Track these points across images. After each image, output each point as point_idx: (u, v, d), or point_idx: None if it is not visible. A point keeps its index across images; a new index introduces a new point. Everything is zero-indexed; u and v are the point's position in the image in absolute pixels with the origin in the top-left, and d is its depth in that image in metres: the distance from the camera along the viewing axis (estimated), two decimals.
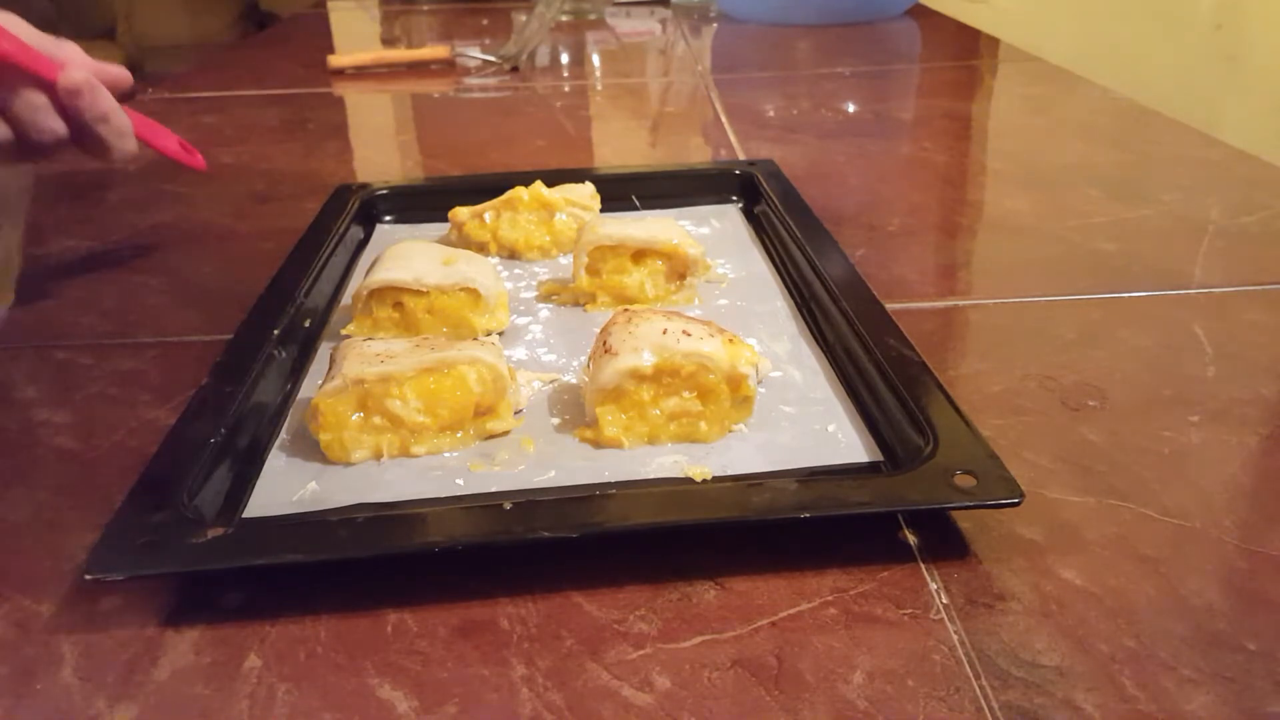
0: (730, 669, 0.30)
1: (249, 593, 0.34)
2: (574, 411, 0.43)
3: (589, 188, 0.61)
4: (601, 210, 0.61)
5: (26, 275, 0.61)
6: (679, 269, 0.53)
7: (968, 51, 1.23)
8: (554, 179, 0.61)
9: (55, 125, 0.53)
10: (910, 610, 0.32)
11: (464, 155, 0.84)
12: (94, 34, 1.32)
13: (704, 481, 0.38)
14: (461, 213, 0.60)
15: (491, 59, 1.15)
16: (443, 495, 0.38)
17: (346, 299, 0.53)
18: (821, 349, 0.48)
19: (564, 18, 1.42)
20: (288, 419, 0.43)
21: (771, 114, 0.96)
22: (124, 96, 0.63)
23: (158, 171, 0.81)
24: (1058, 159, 0.78)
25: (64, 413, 0.45)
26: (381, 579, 0.34)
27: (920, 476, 0.35)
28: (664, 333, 0.41)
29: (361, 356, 0.41)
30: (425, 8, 1.63)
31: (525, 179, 0.60)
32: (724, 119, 0.92)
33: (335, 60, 1.12)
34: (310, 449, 0.40)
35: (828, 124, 0.90)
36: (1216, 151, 0.77)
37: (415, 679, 0.30)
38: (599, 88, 1.11)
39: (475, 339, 0.46)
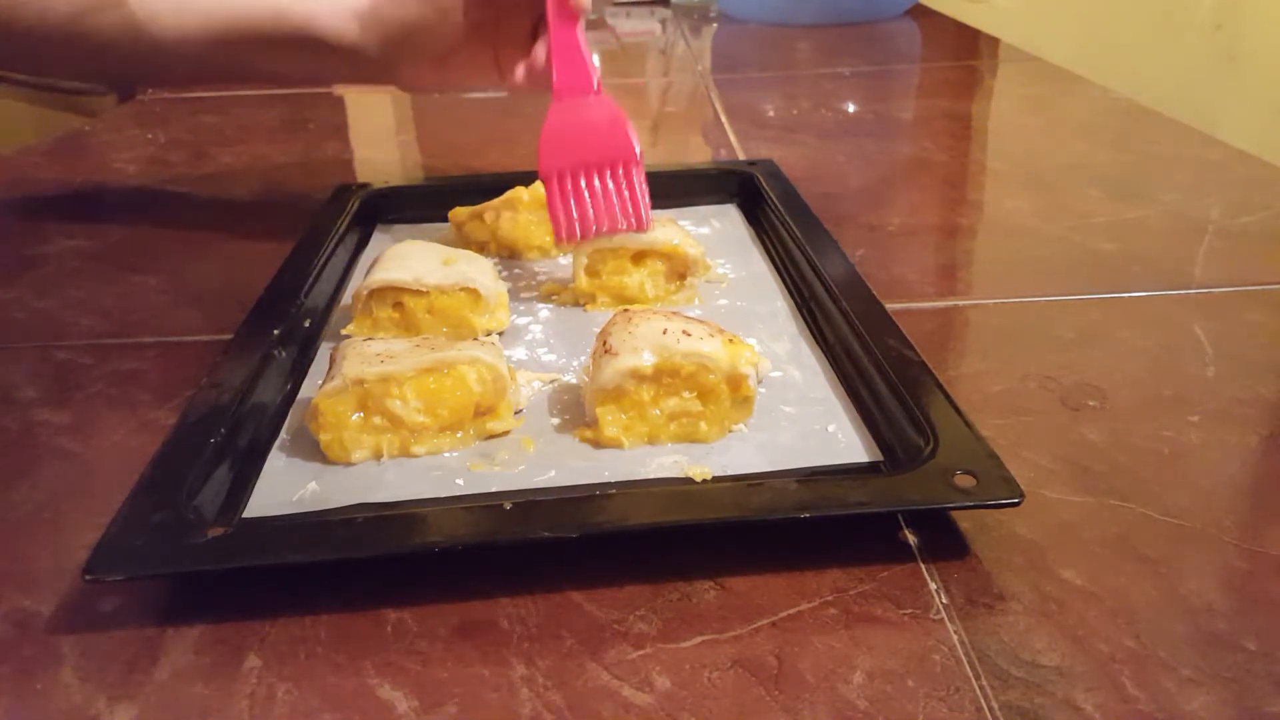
0: (730, 669, 0.30)
1: (249, 593, 0.34)
2: (574, 411, 0.43)
3: None
4: None
5: (27, 275, 0.61)
6: (679, 269, 0.53)
7: (968, 51, 1.23)
8: None
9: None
10: (910, 610, 0.32)
11: (464, 155, 0.84)
12: None
13: (704, 481, 0.38)
14: (461, 213, 0.60)
15: None
16: (443, 495, 0.38)
17: (346, 299, 0.53)
18: (821, 349, 0.48)
19: None
20: (288, 419, 0.43)
21: (771, 114, 0.96)
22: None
23: (158, 171, 0.81)
24: (1058, 159, 0.78)
25: (64, 413, 0.45)
26: (381, 579, 0.34)
27: (920, 476, 0.35)
28: (664, 333, 0.41)
29: (361, 356, 0.41)
30: None
31: (525, 179, 0.60)
32: (724, 119, 0.92)
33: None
34: (310, 449, 0.40)
35: (828, 124, 0.90)
36: (1216, 151, 0.77)
37: (415, 679, 0.30)
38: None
39: (475, 339, 0.46)
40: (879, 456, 0.39)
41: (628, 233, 0.52)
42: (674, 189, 0.67)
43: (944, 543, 0.35)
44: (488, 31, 0.57)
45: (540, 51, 0.55)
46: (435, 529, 0.34)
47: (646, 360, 0.40)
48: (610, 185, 0.52)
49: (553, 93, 0.53)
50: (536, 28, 0.57)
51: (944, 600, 0.33)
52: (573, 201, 0.52)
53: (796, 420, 0.42)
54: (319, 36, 0.54)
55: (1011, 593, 0.33)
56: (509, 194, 0.59)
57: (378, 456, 0.40)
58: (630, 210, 0.52)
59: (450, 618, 0.33)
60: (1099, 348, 0.48)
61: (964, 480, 0.34)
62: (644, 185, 0.52)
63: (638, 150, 0.52)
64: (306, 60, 0.56)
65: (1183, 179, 0.72)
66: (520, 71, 0.57)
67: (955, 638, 0.31)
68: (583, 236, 0.52)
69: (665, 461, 0.39)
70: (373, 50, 0.54)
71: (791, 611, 0.32)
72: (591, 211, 0.52)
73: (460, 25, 0.54)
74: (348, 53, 0.54)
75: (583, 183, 0.52)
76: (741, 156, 0.80)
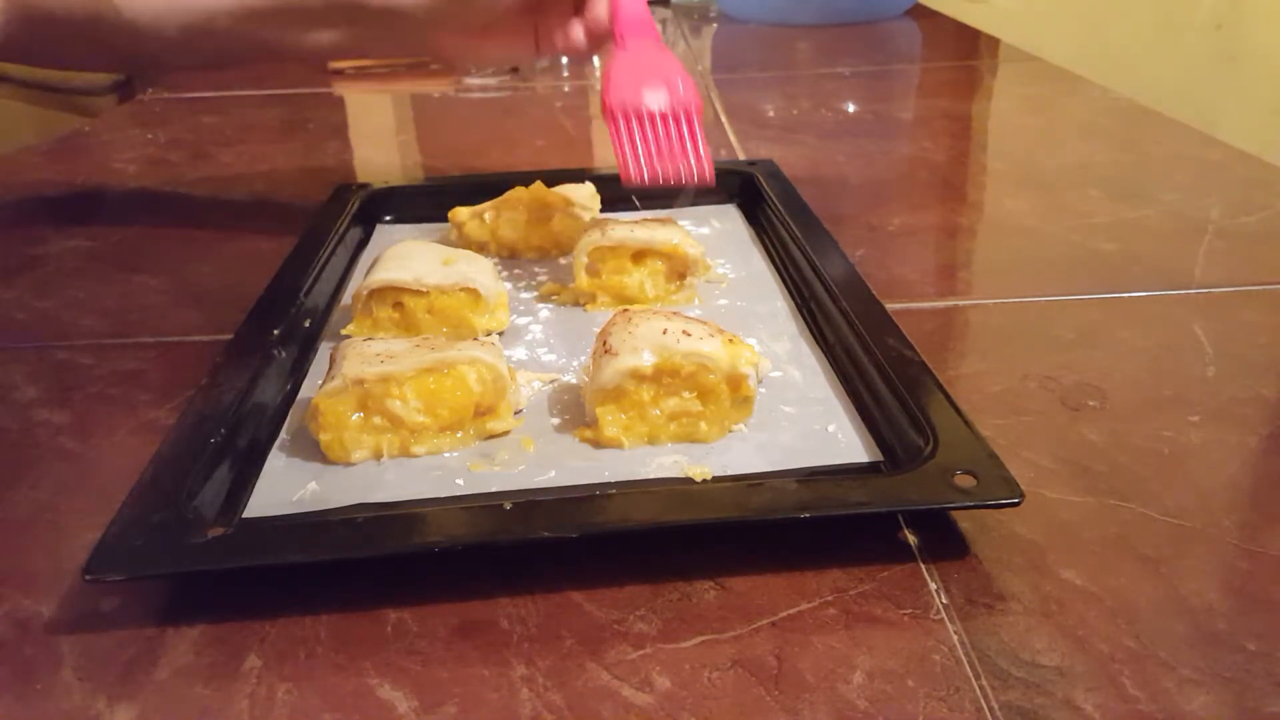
0: (730, 669, 0.30)
1: (249, 593, 0.34)
2: (574, 411, 0.43)
3: (589, 188, 0.61)
4: (601, 210, 0.61)
5: (27, 275, 0.61)
6: (679, 269, 0.53)
7: (968, 51, 1.23)
8: (554, 179, 0.61)
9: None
10: (910, 610, 0.32)
11: (464, 155, 0.84)
12: None
13: (704, 481, 0.38)
14: (461, 213, 0.60)
15: None
16: (443, 495, 0.38)
17: (346, 299, 0.53)
18: (821, 349, 0.48)
19: None
20: (288, 419, 0.43)
21: (771, 114, 0.96)
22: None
23: (158, 171, 0.81)
24: (1058, 159, 0.78)
25: (64, 413, 0.45)
26: (381, 579, 0.34)
27: (920, 476, 0.35)
28: (664, 333, 0.41)
29: (361, 356, 0.41)
30: None
31: (525, 179, 0.60)
32: (724, 119, 0.92)
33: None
34: (310, 449, 0.40)
35: (828, 124, 0.90)
36: (1216, 151, 0.77)
37: (415, 679, 0.30)
38: (599, 88, 1.11)
39: (475, 339, 0.46)
40: (879, 456, 0.39)
41: (693, 186, 0.51)
42: (674, 189, 0.67)
43: (944, 543, 0.35)
44: (531, 2, 0.56)
45: (600, 8, 0.54)
46: (435, 529, 0.34)
47: (646, 360, 0.40)
48: (674, 132, 0.51)
49: (615, 40, 0.53)
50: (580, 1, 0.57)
51: (944, 600, 0.33)
52: (639, 141, 0.51)
53: (796, 420, 0.42)
54: (364, 1, 0.52)
55: (1011, 593, 0.33)
56: (509, 194, 0.59)
57: (378, 456, 0.40)
58: (694, 161, 0.51)
59: (450, 618, 0.33)
60: (1099, 348, 0.48)
61: (964, 480, 0.34)
62: (704, 138, 0.52)
63: (700, 103, 0.52)
64: (344, 30, 0.54)
65: (1183, 179, 0.72)
66: (578, 30, 0.56)
67: (955, 638, 0.31)
68: (650, 180, 0.51)
69: (665, 461, 0.39)
70: (421, 12, 0.53)
71: (791, 611, 0.32)
72: (658, 155, 0.51)
73: None
74: (393, 17, 0.53)
75: (647, 126, 0.51)
76: (741, 156, 0.80)
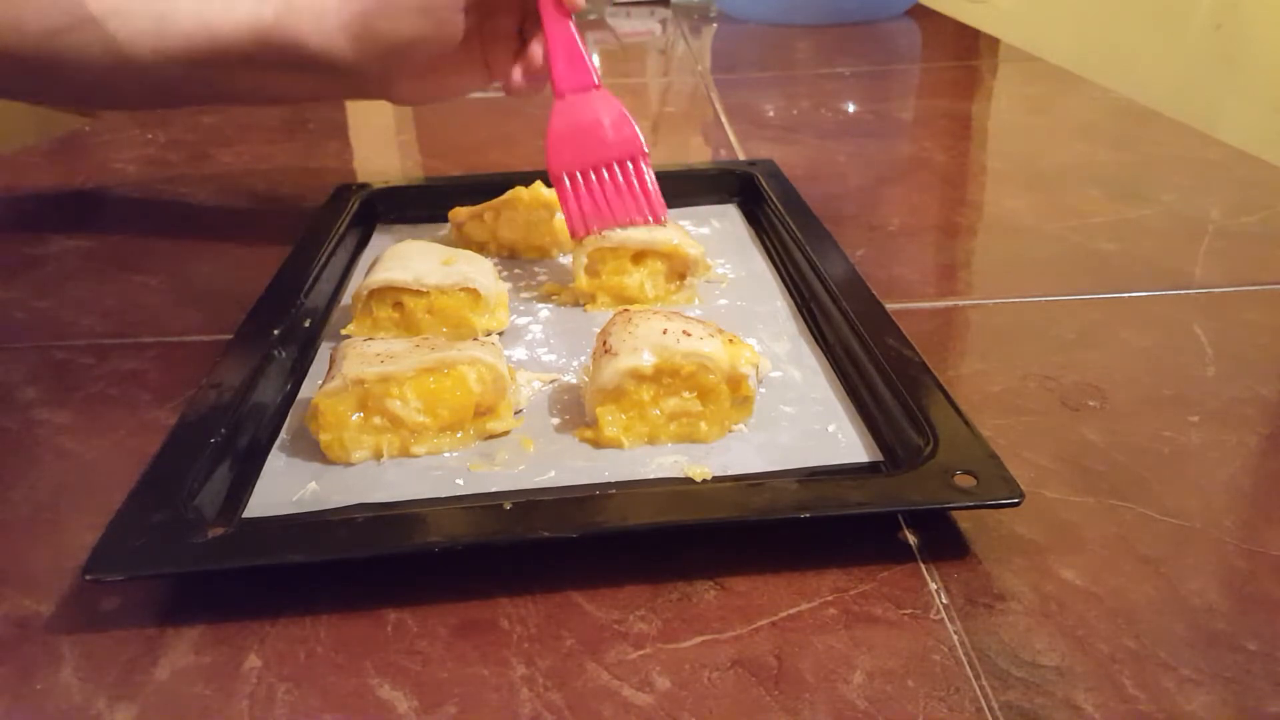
0: (730, 669, 0.30)
1: (249, 593, 0.34)
2: (574, 411, 0.43)
3: None
4: None
5: (27, 275, 0.61)
6: (679, 269, 0.53)
7: (968, 51, 1.23)
8: None
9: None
10: (910, 610, 0.32)
11: (464, 155, 0.84)
12: None
13: (704, 481, 0.38)
14: (461, 213, 0.60)
15: None
16: (443, 495, 0.38)
17: (346, 299, 0.53)
18: (821, 349, 0.48)
19: None
20: (288, 419, 0.43)
21: (771, 114, 0.96)
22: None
23: (158, 171, 0.81)
24: (1058, 159, 0.78)
25: (64, 413, 0.45)
26: (381, 579, 0.34)
27: (920, 476, 0.35)
28: (664, 333, 0.41)
29: (361, 356, 0.41)
30: None
31: (525, 179, 0.60)
32: (724, 119, 0.92)
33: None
34: (310, 449, 0.40)
35: (828, 124, 0.90)
36: (1216, 151, 0.77)
37: (415, 679, 0.30)
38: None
39: (475, 339, 0.46)
40: (879, 456, 0.39)
41: (644, 226, 0.52)
42: (674, 189, 0.67)
43: (944, 543, 0.35)
44: (475, 33, 0.56)
45: (537, 51, 0.55)
46: (435, 529, 0.34)
47: (646, 360, 0.40)
48: (621, 180, 0.52)
49: (554, 91, 0.53)
50: (523, 25, 0.57)
51: (944, 600, 0.33)
52: (585, 197, 0.52)
53: (796, 420, 0.42)
54: (307, 56, 0.52)
55: (1011, 593, 0.33)
56: (509, 194, 0.59)
57: (378, 456, 0.40)
58: (644, 205, 0.52)
59: (450, 618, 0.33)
60: (1099, 348, 0.48)
61: (964, 480, 0.34)
62: (653, 179, 0.53)
63: (644, 144, 0.53)
64: (292, 79, 0.55)
65: (1183, 179, 0.72)
66: (518, 73, 0.57)
67: (955, 638, 0.31)
68: (599, 230, 0.52)
69: (665, 461, 0.39)
70: (365, 66, 0.53)
71: (791, 611, 0.32)
72: (605, 206, 0.52)
73: (457, 33, 0.53)
74: (339, 70, 0.53)
75: (593, 178, 0.53)
76: (741, 156, 0.80)
